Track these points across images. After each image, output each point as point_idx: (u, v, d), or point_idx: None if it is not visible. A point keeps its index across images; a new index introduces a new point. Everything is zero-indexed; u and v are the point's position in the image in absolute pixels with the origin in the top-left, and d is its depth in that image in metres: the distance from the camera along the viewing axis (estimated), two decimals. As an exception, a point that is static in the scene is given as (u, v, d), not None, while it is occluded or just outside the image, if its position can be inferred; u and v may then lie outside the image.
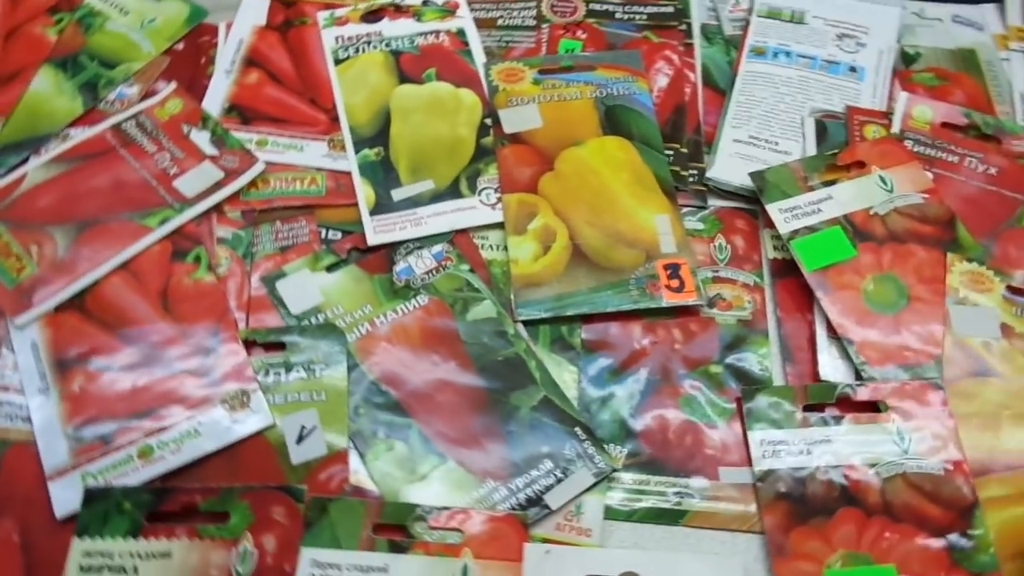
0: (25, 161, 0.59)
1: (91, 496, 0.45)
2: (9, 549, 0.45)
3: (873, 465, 0.47)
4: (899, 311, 0.53)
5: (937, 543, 0.45)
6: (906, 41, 0.67)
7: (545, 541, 0.46)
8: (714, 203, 0.60)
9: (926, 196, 0.57)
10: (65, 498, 0.46)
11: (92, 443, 0.48)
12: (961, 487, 0.47)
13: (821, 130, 0.62)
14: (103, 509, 0.45)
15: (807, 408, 0.49)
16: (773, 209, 0.56)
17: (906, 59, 0.66)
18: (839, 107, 0.63)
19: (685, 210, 0.59)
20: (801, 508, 0.46)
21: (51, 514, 0.46)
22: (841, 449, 0.48)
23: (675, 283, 0.54)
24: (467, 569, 0.44)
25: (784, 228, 0.55)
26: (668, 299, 0.54)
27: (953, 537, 0.45)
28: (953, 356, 0.51)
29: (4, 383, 0.50)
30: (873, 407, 0.49)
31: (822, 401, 0.49)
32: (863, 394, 0.49)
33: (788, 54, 0.66)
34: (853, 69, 0.65)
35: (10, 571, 0.45)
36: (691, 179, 0.60)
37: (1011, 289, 0.54)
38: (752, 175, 0.58)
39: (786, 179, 0.58)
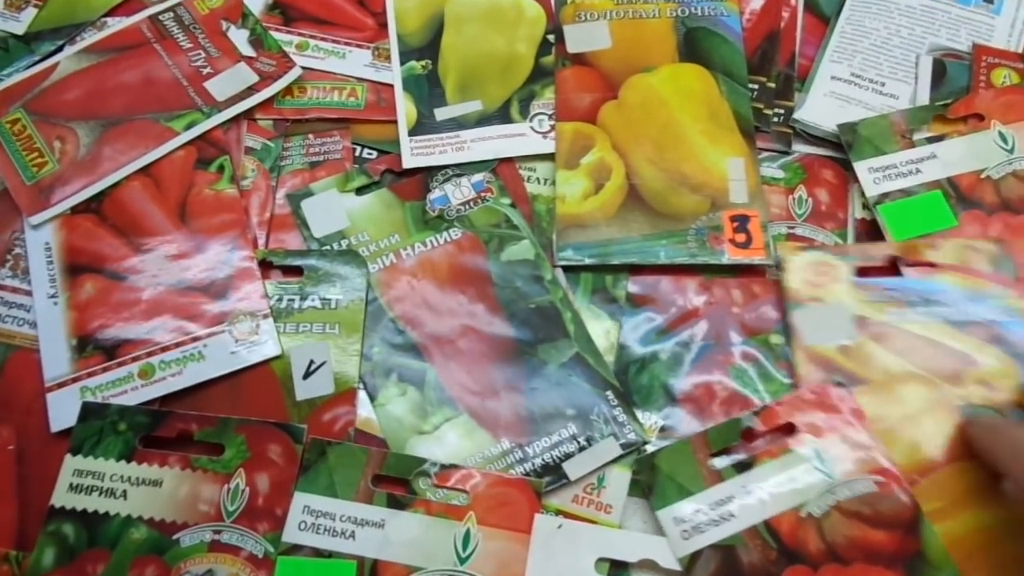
0: (60, 49, 0.56)
1: (87, 412, 0.43)
2: (5, 458, 0.44)
3: (803, 505, 0.40)
4: (1004, 294, 0.45)
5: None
6: (1059, -30, 0.56)
7: (559, 513, 0.42)
8: (799, 149, 0.52)
9: (1057, 158, 0.48)
10: (62, 411, 0.44)
11: (94, 356, 0.45)
12: (899, 497, 0.40)
13: (939, 71, 0.53)
14: (98, 427, 0.43)
15: (713, 456, 0.42)
16: (862, 168, 0.48)
17: (1056, -8, 0.56)
18: (965, 45, 0.53)
19: (764, 155, 0.51)
20: None
21: (48, 426, 0.44)
22: (764, 497, 0.40)
23: (742, 237, 0.47)
24: (469, 535, 0.40)
25: (872, 190, 0.48)
26: (731, 255, 0.47)
27: (908, 561, 0.39)
28: (806, 372, 0.43)
29: (15, 284, 0.48)
30: (783, 431, 0.42)
31: (727, 444, 0.42)
32: (766, 422, 0.42)
33: (911, -22, 0.56)
34: (989, 0, 0.55)
35: (4, 481, 0.43)
36: (775, 119, 0.52)
37: (859, 272, 0.45)
38: (841, 127, 0.50)
39: (883, 132, 0.49)
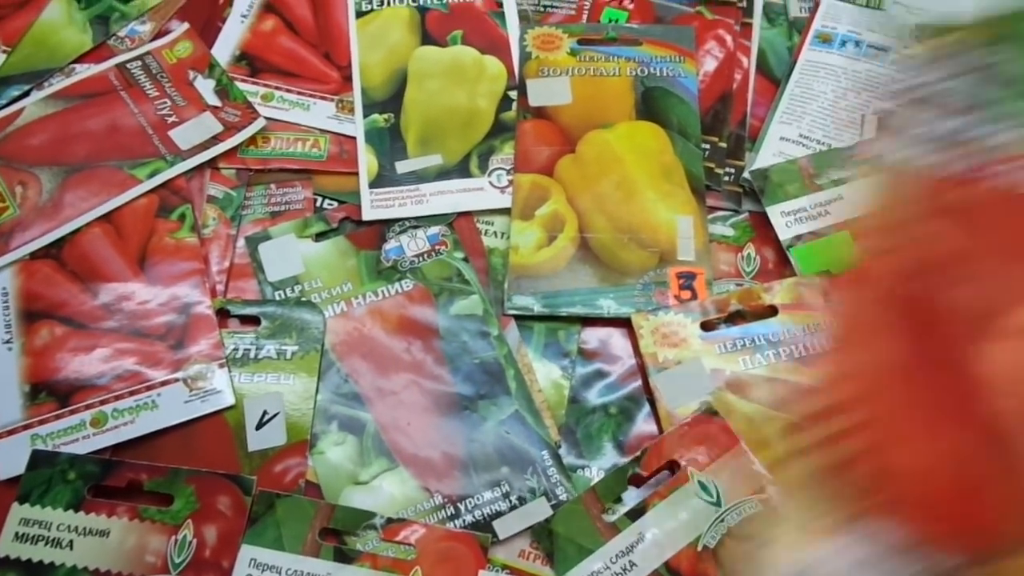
0: (26, 95, 0.56)
1: (37, 460, 0.43)
2: (-48, 505, 0.44)
3: (698, 539, 0.41)
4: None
5: None
6: (998, 39, 0.59)
7: (505, 568, 0.42)
8: (749, 207, 0.53)
9: (954, 193, 0.50)
10: (10, 459, 0.44)
11: (46, 403, 0.45)
12: None
13: (884, 132, 0.55)
14: (48, 476, 0.43)
15: (605, 511, 0.42)
16: (775, 212, 0.51)
17: (996, 60, 0.58)
18: (909, 109, 0.55)
19: (716, 213, 0.53)
20: None
21: (-3, 473, 0.44)
22: (661, 540, 0.41)
23: (686, 295, 0.48)
24: (414, 589, 0.40)
25: (785, 234, 0.50)
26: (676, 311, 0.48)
27: None
28: None
29: (-30, 329, 0.48)
30: (667, 468, 0.43)
31: (616, 493, 0.43)
32: (649, 465, 0.43)
33: (858, 43, 0.58)
34: (932, 67, 0.57)
35: (-50, 528, 0.43)
36: (726, 178, 0.54)
37: (704, 327, 0.47)
38: (753, 173, 0.52)
39: (792, 177, 0.52)
